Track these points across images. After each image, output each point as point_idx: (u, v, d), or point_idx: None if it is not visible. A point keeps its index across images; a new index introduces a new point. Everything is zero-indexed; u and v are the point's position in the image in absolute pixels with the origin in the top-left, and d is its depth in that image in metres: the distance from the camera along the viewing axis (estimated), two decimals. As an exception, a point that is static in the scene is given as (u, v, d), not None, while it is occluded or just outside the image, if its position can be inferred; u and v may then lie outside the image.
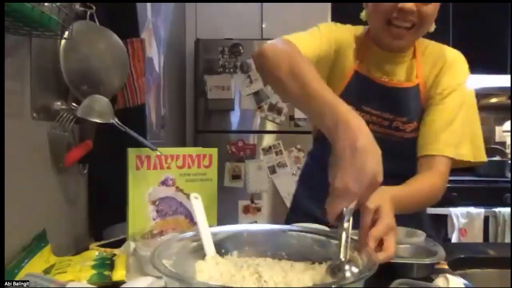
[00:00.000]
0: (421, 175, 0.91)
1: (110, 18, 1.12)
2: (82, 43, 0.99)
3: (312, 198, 1.13)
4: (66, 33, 0.85)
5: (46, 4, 0.70)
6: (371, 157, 0.55)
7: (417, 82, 1.00)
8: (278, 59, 0.72)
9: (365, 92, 1.00)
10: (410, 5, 0.86)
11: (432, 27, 0.96)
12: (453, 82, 0.98)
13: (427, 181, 0.89)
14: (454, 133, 0.93)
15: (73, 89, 0.98)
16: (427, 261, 0.77)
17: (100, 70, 1.04)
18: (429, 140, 0.95)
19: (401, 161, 0.96)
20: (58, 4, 0.76)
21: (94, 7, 1.03)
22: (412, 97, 1.00)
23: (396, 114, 1.00)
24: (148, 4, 1.82)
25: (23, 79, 0.85)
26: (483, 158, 0.97)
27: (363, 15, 1.02)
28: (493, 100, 2.94)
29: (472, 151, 0.95)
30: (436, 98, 0.98)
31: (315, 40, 0.94)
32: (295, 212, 1.21)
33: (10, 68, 0.80)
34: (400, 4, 0.86)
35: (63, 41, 0.93)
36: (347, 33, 1.03)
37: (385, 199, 0.67)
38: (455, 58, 1.02)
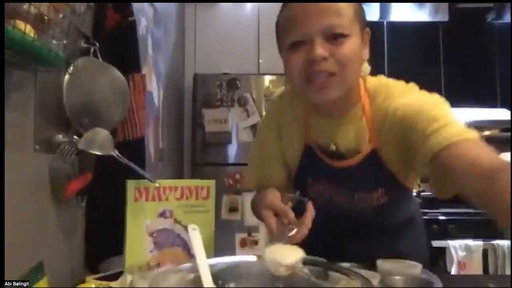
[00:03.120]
0: None
1: (112, 54, 1.16)
2: (85, 78, 1.02)
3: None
4: (71, 68, 0.88)
5: (54, 41, 0.73)
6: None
7: (372, 146, 0.86)
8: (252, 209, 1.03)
9: (317, 170, 0.93)
10: (318, 51, 0.75)
11: (366, 68, 0.86)
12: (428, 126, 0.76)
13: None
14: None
15: (74, 122, 1.00)
16: None
17: (102, 104, 1.07)
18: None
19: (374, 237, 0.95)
20: (64, 41, 0.79)
21: (97, 44, 1.07)
22: (368, 168, 0.87)
23: (354, 189, 0.91)
24: (149, 41, 1.88)
25: (27, 112, 0.87)
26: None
27: (284, 82, 0.97)
28: (486, 132, 2.98)
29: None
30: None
31: (257, 166, 1.06)
32: None
33: (16, 102, 0.82)
34: (309, 55, 0.76)
35: (66, 76, 0.96)
36: (285, 113, 0.97)
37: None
38: (405, 107, 0.81)
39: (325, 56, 0.76)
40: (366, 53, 0.84)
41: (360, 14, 0.81)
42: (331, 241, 0.95)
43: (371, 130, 0.86)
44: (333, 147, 0.91)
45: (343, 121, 0.88)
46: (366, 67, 0.86)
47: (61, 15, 0.78)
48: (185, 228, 0.99)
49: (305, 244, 0.75)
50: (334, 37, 0.76)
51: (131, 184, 0.97)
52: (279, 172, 1.02)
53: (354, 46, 0.78)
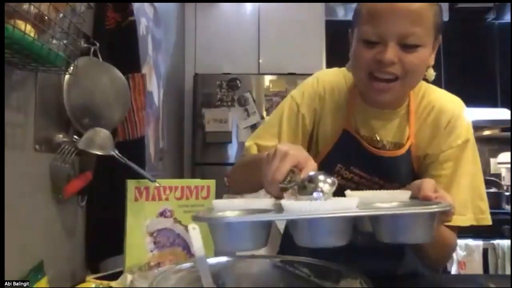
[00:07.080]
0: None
1: (113, 54, 1.16)
2: (85, 78, 1.02)
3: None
4: (71, 68, 0.88)
5: (54, 41, 0.73)
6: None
7: (408, 145, 0.91)
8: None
9: (354, 154, 0.93)
10: (389, 56, 0.78)
11: (431, 75, 0.88)
12: (454, 143, 0.89)
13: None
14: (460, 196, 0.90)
15: (74, 122, 1.00)
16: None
17: (102, 104, 1.07)
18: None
19: None
20: (64, 41, 0.79)
21: (97, 44, 1.07)
22: (402, 163, 0.92)
23: (386, 180, 0.93)
24: (149, 41, 1.88)
25: (27, 112, 0.87)
26: (487, 221, 0.95)
27: (347, 66, 0.93)
28: (486, 132, 2.99)
29: (475, 214, 0.95)
30: (436, 161, 0.90)
31: (272, 131, 0.98)
32: (285, 250, 1.11)
33: (16, 101, 0.82)
34: (379, 56, 0.79)
35: (67, 76, 0.96)
36: (327, 95, 0.97)
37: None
38: (457, 116, 0.90)
39: (394, 62, 0.79)
40: (432, 60, 0.86)
41: (439, 18, 0.82)
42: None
43: (411, 128, 0.91)
44: (377, 137, 0.93)
45: (390, 115, 0.92)
46: (431, 73, 0.88)
47: (61, 15, 0.78)
48: (185, 227, 0.99)
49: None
50: (407, 45, 0.79)
51: (131, 184, 0.98)
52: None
53: (423, 56, 0.81)
